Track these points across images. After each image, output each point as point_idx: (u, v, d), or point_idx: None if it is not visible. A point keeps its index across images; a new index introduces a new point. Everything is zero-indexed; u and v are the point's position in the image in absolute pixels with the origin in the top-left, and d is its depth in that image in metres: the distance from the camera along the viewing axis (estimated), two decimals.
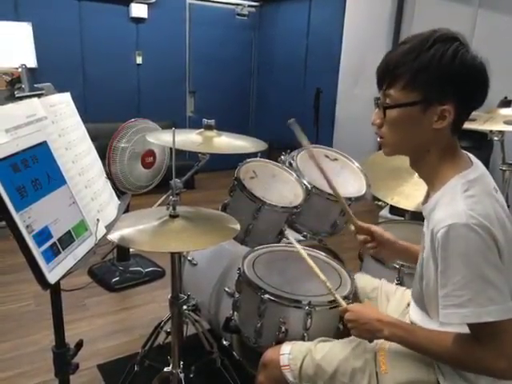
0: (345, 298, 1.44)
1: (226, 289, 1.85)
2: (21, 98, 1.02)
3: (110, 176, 2.29)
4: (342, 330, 1.45)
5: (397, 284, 1.74)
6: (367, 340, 1.20)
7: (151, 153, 2.54)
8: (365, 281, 1.56)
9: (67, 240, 0.97)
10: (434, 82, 0.98)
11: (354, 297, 1.50)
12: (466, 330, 1.00)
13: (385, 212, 3.87)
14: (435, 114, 1.00)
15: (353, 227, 1.41)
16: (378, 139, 1.12)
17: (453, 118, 1.00)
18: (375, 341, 1.23)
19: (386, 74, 1.04)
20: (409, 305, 1.34)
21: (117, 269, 3.03)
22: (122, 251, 3.06)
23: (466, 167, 1.05)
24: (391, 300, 1.47)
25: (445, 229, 0.95)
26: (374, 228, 1.39)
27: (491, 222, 0.95)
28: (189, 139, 1.84)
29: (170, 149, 1.55)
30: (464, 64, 0.97)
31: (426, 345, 1.07)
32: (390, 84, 1.03)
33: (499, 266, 0.95)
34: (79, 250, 1.00)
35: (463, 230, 0.93)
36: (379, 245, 1.38)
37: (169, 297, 1.59)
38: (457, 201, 0.98)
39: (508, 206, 1.08)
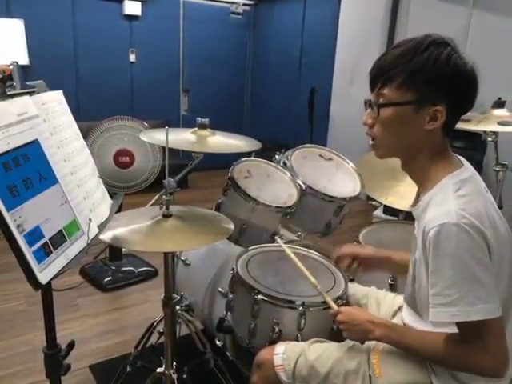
0: (338, 298, 1.44)
1: (220, 289, 1.84)
2: (12, 96, 1.01)
3: None
4: (335, 330, 1.45)
5: (390, 285, 1.75)
6: (359, 341, 1.22)
7: (126, 152, 2.45)
8: (355, 288, 1.57)
9: (59, 240, 0.96)
10: (428, 82, 1.00)
11: (346, 302, 1.50)
12: (457, 330, 1.01)
13: (379, 212, 3.88)
14: (427, 115, 1.02)
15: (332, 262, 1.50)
16: (370, 141, 1.13)
17: (444, 119, 1.02)
18: (368, 343, 1.24)
19: (381, 75, 1.06)
20: (399, 308, 1.35)
21: (109, 268, 3.01)
22: (114, 251, 3.04)
23: (457, 168, 1.06)
24: (381, 305, 1.47)
25: (436, 228, 0.96)
26: (349, 250, 1.47)
27: (482, 221, 0.96)
28: (182, 138, 1.83)
29: (164, 148, 1.54)
30: (457, 68, 1.00)
31: (417, 345, 1.09)
32: (385, 84, 1.05)
33: (489, 265, 0.96)
34: (71, 249, 0.99)
35: (454, 229, 0.94)
36: (363, 262, 1.45)
37: (162, 297, 1.58)
38: (448, 200, 0.99)
39: (501, 207, 1.08)
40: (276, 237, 1.66)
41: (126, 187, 2.48)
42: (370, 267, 1.47)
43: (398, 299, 1.43)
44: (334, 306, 1.30)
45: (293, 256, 1.45)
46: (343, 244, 1.53)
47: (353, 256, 1.46)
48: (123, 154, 2.45)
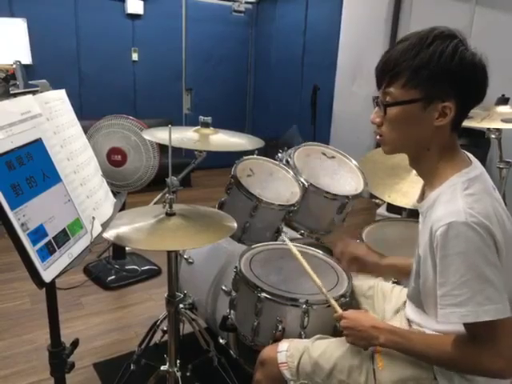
0: (342, 296, 1.45)
1: (223, 287, 1.85)
2: (15, 95, 1.01)
3: None
4: (339, 328, 1.45)
5: (394, 282, 1.74)
6: (362, 347, 1.20)
7: (118, 151, 2.43)
8: (361, 279, 1.56)
9: (62, 238, 0.96)
10: (434, 79, 0.98)
11: (351, 296, 1.50)
12: (463, 328, 1.00)
13: (382, 210, 3.87)
14: (436, 111, 1.00)
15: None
16: (378, 137, 1.11)
17: (453, 115, 1.00)
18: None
19: (386, 73, 1.03)
20: (404, 304, 1.34)
21: (113, 267, 3.02)
22: (117, 249, 3.05)
23: (465, 166, 1.05)
24: (388, 298, 1.47)
25: (444, 227, 0.95)
26: (357, 252, 1.44)
27: (490, 220, 0.94)
28: (185, 136, 1.84)
29: (165, 146, 1.54)
30: (463, 61, 0.97)
31: (423, 350, 1.07)
32: (390, 82, 1.03)
33: (497, 265, 0.94)
34: (75, 248, 0.99)
35: (462, 228, 0.93)
36: (364, 266, 1.44)
37: (165, 295, 1.58)
38: (456, 199, 0.98)
39: (505, 204, 1.08)
40: (284, 237, 1.65)
41: (120, 186, 2.48)
42: (369, 272, 1.47)
43: (405, 293, 1.40)
44: (339, 310, 1.29)
45: (300, 257, 1.44)
46: (345, 239, 1.52)
47: (354, 258, 1.44)
48: (115, 152, 2.43)
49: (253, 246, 1.74)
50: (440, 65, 0.96)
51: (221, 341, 1.82)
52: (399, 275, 1.46)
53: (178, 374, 1.61)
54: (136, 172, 2.48)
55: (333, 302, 1.32)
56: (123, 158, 2.45)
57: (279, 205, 1.86)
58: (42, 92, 1.08)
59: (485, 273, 0.93)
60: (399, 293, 1.46)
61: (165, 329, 2.01)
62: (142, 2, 5.14)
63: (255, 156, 2.06)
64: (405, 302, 1.35)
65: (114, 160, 2.45)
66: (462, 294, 0.93)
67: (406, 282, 1.53)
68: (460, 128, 1.07)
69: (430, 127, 1.02)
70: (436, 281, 0.99)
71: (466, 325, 0.98)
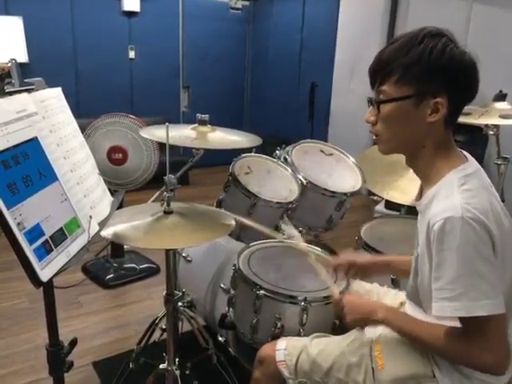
0: (340, 293, 1.44)
1: (222, 285, 1.85)
2: (11, 94, 1.00)
3: None
4: (337, 325, 1.45)
5: (392, 279, 1.74)
6: (360, 326, 1.24)
7: (119, 149, 2.43)
8: (357, 285, 1.56)
9: (59, 237, 0.95)
10: (425, 75, 1.00)
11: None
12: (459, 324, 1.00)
13: (380, 207, 3.88)
14: (428, 108, 1.02)
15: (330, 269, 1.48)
16: (373, 137, 1.13)
17: (446, 111, 1.01)
18: (370, 336, 1.23)
19: (379, 71, 1.06)
20: (401, 304, 1.35)
21: (111, 265, 3.02)
22: (116, 248, 3.04)
23: (461, 162, 1.06)
24: (383, 300, 1.47)
25: (441, 222, 0.95)
26: (345, 259, 1.45)
27: (487, 216, 0.95)
28: (183, 134, 1.83)
29: (163, 144, 1.53)
30: (453, 58, 0.99)
31: (417, 332, 1.09)
32: (383, 80, 1.05)
33: (492, 260, 0.95)
34: (72, 247, 0.99)
35: (459, 223, 0.93)
36: (361, 270, 1.44)
37: (164, 293, 1.58)
38: (453, 194, 0.99)
39: (503, 201, 1.08)
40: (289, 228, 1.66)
41: (120, 184, 2.47)
42: (368, 274, 1.47)
43: (400, 296, 1.43)
44: (336, 292, 1.33)
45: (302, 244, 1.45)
46: (342, 239, 1.53)
47: (350, 264, 1.43)
48: (116, 150, 2.44)
49: (251, 244, 1.74)
50: (431, 61, 0.99)
51: (220, 339, 1.82)
52: (394, 272, 1.48)
53: (177, 372, 1.61)
54: (138, 169, 2.49)
55: (333, 286, 1.35)
56: (124, 156, 2.46)
57: (277, 202, 1.86)
58: (37, 90, 1.08)
59: (479, 268, 0.93)
60: (395, 295, 1.47)
61: (163, 327, 2.00)
62: (139, 0, 5.11)
63: (253, 154, 2.05)
64: (401, 302, 1.36)
65: (115, 159, 2.46)
66: (456, 289, 0.94)
67: (402, 284, 1.55)
68: (455, 125, 1.08)
69: (424, 124, 1.03)
70: (432, 276, 1.00)
71: (460, 319, 0.99)
